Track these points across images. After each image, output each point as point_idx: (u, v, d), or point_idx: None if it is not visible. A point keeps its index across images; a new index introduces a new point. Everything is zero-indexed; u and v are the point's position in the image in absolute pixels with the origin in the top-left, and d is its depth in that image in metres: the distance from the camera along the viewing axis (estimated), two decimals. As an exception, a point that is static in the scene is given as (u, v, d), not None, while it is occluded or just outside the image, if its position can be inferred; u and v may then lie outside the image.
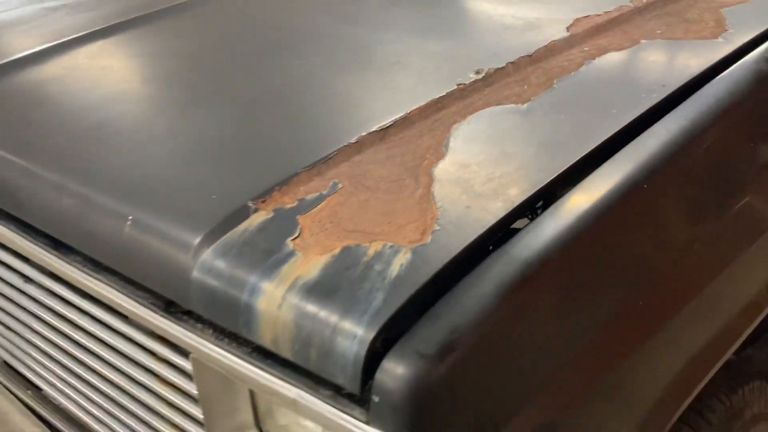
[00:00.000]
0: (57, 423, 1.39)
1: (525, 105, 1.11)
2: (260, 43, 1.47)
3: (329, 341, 0.77)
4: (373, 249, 0.85)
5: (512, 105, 1.12)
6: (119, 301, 1.01)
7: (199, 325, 0.93)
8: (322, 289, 0.81)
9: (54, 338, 1.25)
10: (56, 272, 1.12)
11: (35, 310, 1.27)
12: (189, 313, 0.95)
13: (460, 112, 1.10)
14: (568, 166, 0.96)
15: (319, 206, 0.93)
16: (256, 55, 1.41)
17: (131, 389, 1.13)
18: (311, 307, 0.80)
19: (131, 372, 1.11)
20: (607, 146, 1.01)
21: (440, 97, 1.14)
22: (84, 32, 1.50)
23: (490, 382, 0.79)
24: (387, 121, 1.08)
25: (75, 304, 1.14)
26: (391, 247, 0.84)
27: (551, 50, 1.28)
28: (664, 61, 1.24)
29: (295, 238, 0.88)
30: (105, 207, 1.02)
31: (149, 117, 1.22)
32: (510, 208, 0.89)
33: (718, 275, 1.10)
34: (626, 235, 0.96)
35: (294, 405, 0.83)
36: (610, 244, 0.93)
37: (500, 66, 1.22)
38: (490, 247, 0.86)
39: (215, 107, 1.20)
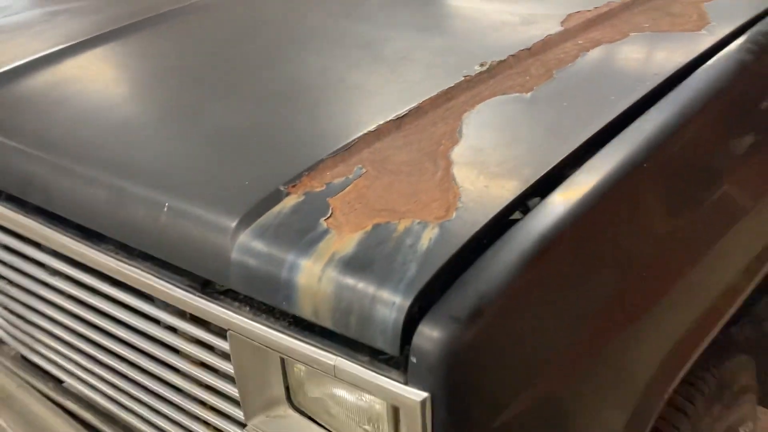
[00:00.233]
0: (82, 413, 1.43)
1: (529, 94, 1.19)
2: (271, 41, 1.54)
3: (369, 309, 0.84)
4: (402, 225, 0.92)
5: (517, 94, 1.19)
6: (154, 285, 1.07)
7: (236, 304, 0.99)
8: (358, 263, 0.88)
9: (81, 329, 1.29)
10: (87, 261, 1.16)
11: (61, 302, 1.31)
12: (225, 293, 1.01)
13: (468, 101, 1.18)
14: (575, 148, 1.04)
15: (347, 189, 1.00)
16: (269, 52, 1.47)
17: (163, 374, 1.18)
18: (350, 279, 0.87)
19: (163, 356, 1.16)
20: (608, 130, 1.09)
21: (449, 88, 1.21)
22: (97, 33, 1.55)
23: (513, 342, 0.87)
24: (402, 110, 1.15)
25: (104, 292, 1.19)
26: (419, 223, 0.91)
27: (548, 44, 1.36)
28: (654, 52, 1.33)
29: (327, 218, 0.95)
30: (140, 196, 1.07)
31: (172, 112, 1.28)
32: (525, 186, 0.96)
33: (710, 251, 1.18)
34: (629, 210, 1.04)
35: (333, 371, 0.89)
36: (616, 218, 1.01)
37: (502, 59, 1.30)
38: (510, 222, 0.93)
39: (234, 101, 1.27)
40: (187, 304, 1.03)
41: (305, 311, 0.90)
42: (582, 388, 1.00)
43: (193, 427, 1.20)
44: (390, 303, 0.83)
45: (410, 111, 1.15)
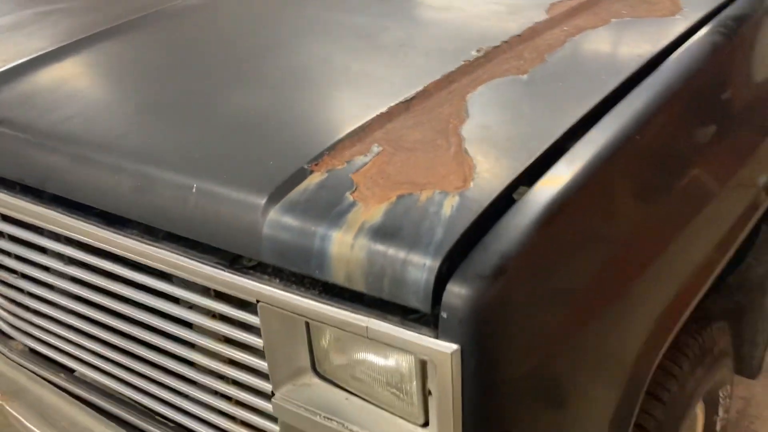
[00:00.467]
0: (96, 400, 1.46)
1: (525, 76, 1.28)
2: (274, 33, 1.60)
3: (401, 271, 0.91)
4: (424, 195, 0.99)
5: (514, 76, 1.28)
6: (182, 264, 1.12)
7: (265, 277, 1.05)
8: (387, 230, 0.95)
9: (97, 316, 1.33)
10: (112, 246, 1.20)
11: (76, 290, 1.34)
12: (254, 268, 1.07)
13: (470, 84, 1.26)
14: (574, 122, 1.12)
15: (367, 165, 1.06)
16: (274, 43, 1.54)
17: (188, 355, 1.22)
18: (381, 245, 0.93)
19: (185, 335, 1.20)
20: (602, 105, 1.18)
21: (450, 72, 1.29)
22: (101, 29, 1.59)
23: (532, 298, 0.95)
24: (409, 93, 1.23)
25: (123, 276, 1.22)
26: (440, 192, 0.99)
27: (536, 30, 1.45)
28: (635, 36, 1.43)
29: (353, 192, 1.01)
30: (166, 180, 1.12)
31: (188, 100, 1.33)
32: (534, 157, 1.04)
33: (695, 219, 1.27)
34: (625, 178, 1.13)
35: (366, 332, 0.96)
36: (616, 184, 1.10)
37: (496, 45, 1.38)
38: (523, 189, 1.01)
39: (247, 89, 1.33)
40: (217, 280, 1.09)
41: (339, 277, 0.96)
42: (589, 345, 1.08)
43: (215, 403, 1.24)
44: (421, 265, 0.90)
45: (417, 94, 1.23)
